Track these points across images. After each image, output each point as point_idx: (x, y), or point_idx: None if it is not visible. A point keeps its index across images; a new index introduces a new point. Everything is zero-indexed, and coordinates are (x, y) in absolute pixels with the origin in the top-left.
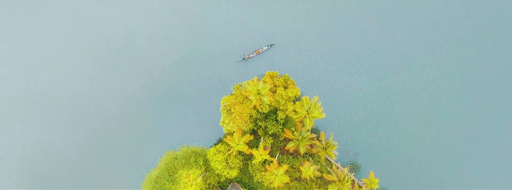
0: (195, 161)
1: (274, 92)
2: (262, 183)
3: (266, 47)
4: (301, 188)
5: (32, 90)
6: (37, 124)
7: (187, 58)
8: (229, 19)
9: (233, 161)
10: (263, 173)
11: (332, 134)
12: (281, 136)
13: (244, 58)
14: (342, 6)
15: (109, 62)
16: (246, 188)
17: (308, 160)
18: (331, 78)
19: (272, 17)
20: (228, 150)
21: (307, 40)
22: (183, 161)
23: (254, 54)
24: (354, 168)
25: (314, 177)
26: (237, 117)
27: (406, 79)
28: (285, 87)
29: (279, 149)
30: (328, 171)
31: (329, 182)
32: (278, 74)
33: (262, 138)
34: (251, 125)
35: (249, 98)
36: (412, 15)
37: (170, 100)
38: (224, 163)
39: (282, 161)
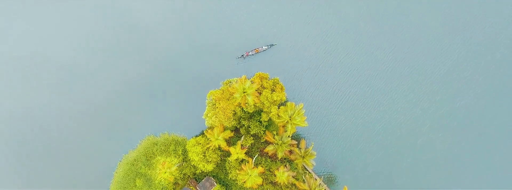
0: (174, 150)
1: (261, 93)
2: (236, 182)
3: (266, 47)
4: None
5: (36, 57)
6: (33, 89)
7: (186, 49)
8: (234, 15)
9: (210, 155)
10: (238, 171)
11: (312, 143)
12: (263, 138)
13: (243, 55)
14: (347, 16)
15: (116, 43)
16: (220, 184)
17: (285, 165)
18: (321, 88)
19: (277, 17)
20: (207, 143)
21: (306, 46)
22: (163, 148)
23: (254, 52)
24: (330, 180)
25: (288, 183)
26: (220, 112)
27: (394, 99)
28: (273, 90)
29: (259, 150)
30: (303, 180)
31: None
32: (268, 76)
33: (243, 137)
34: (234, 123)
35: (234, 95)
36: (410, 33)
37: (162, 87)
38: (201, 156)
39: (259, 163)
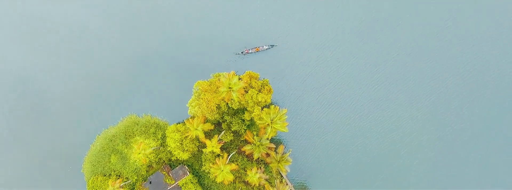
0: (154, 133)
1: (247, 91)
2: (209, 174)
3: (267, 47)
4: None
5: (41, 18)
6: (33, 49)
7: (189, 36)
8: (242, 10)
9: (187, 144)
10: (211, 165)
11: (290, 150)
12: (243, 137)
13: (243, 52)
14: (347, 30)
15: (124, 19)
16: (194, 174)
17: (260, 167)
18: (309, 96)
19: (283, 19)
20: (186, 132)
21: (305, 51)
22: (143, 129)
23: (254, 50)
24: (303, 188)
25: (259, 184)
26: (204, 103)
27: (377, 118)
28: (260, 91)
29: (237, 148)
30: (274, 185)
31: None
32: (259, 76)
33: (223, 132)
34: (217, 116)
35: (220, 89)
36: (405, 53)
37: (155, 69)
38: (178, 143)
39: (235, 160)
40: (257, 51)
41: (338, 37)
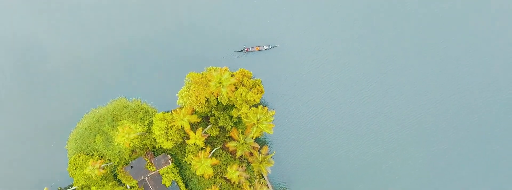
0: (142, 119)
1: (237, 88)
2: (191, 166)
3: (267, 47)
4: (226, 187)
5: None
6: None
7: (191, 27)
8: (248, 8)
9: (172, 134)
10: (193, 157)
11: (274, 152)
12: (229, 133)
13: (243, 50)
14: (349, 43)
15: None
16: (176, 164)
17: (241, 165)
18: (302, 102)
19: (286, 20)
20: (172, 121)
21: (303, 55)
22: (131, 113)
23: (254, 49)
24: None
25: (238, 182)
26: (193, 95)
27: (364, 130)
28: (250, 89)
29: (222, 143)
30: (252, 185)
31: None
32: (252, 75)
33: (210, 126)
34: (206, 110)
35: (210, 83)
36: (403, 72)
37: (153, 56)
38: (163, 132)
39: (219, 156)
40: (257, 51)
41: (336, 46)
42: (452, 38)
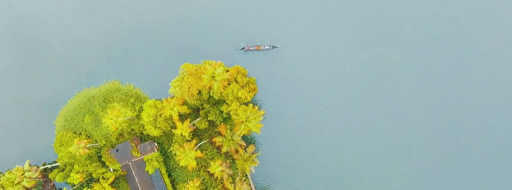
0: (133, 103)
1: (229, 84)
2: (176, 156)
3: (268, 47)
4: (208, 181)
5: None
6: None
7: (195, 19)
8: (255, 6)
9: (160, 122)
10: (178, 147)
11: (260, 151)
12: (217, 128)
13: (244, 48)
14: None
15: None
16: (161, 152)
17: (226, 161)
18: (294, 106)
19: (290, 21)
20: (162, 110)
21: (301, 59)
22: (123, 97)
23: (255, 48)
24: None
25: (220, 177)
26: (185, 86)
27: (352, 137)
28: (243, 87)
29: (210, 138)
30: (234, 182)
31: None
32: (247, 73)
33: (199, 119)
34: (197, 102)
35: (202, 76)
36: (398, 88)
37: (152, 43)
38: (152, 119)
39: (204, 149)
40: (258, 50)
41: (334, 55)
42: (450, 55)
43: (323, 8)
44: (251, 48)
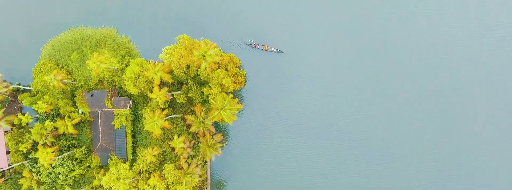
0: (122, 56)
1: (217, 69)
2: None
3: (275, 50)
4: (169, 155)
5: None
6: None
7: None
8: (272, 7)
9: (140, 82)
10: (149, 112)
11: (226, 143)
12: (194, 107)
13: (251, 44)
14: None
15: None
16: (133, 112)
17: (191, 141)
18: (275, 111)
19: (304, 30)
20: (146, 71)
21: (302, 69)
22: (115, 47)
23: (262, 47)
24: (219, 185)
25: (180, 154)
26: (176, 56)
27: (322, 153)
28: (231, 76)
29: (184, 114)
30: (189, 163)
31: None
32: (240, 64)
33: (180, 92)
34: (183, 76)
35: (194, 52)
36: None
37: (165, 6)
38: (134, 77)
39: (174, 123)
40: (264, 49)
41: (334, 76)
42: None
43: (341, 32)
44: (258, 46)
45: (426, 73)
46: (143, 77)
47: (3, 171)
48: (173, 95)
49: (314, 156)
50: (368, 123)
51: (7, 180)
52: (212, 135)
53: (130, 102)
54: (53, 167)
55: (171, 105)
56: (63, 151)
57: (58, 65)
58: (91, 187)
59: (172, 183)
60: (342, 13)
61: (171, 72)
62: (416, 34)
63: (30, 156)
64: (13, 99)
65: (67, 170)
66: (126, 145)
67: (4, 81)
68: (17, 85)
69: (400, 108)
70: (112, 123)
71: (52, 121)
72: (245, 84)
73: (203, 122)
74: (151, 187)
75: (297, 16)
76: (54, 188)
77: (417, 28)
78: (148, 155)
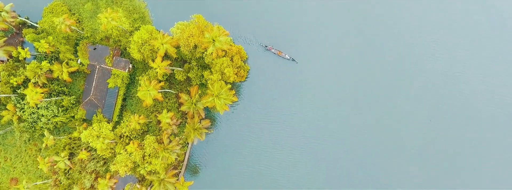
0: (135, 20)
1: (223, 56)
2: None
3: (288, 58)
4: (153, 127)
5: None
6: None
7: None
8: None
9: (145, 48)
10: (145, 80)
11: (212, 131)
12: (190, 87)
13: (266, 46)
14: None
15: None
16: (131, 76)
17: (178, 119)
18: (267, 112)
19: (322, 45)
20: (153, 39)
21: (307, 81)
22: (130, 9)
23: (276, 52)
24: (194, 170)
25: (164, 129)
26: (187, 33)
27: (302, 163)
28: (235, 67)
29: (179, 92)
30: (171, 140)
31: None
32: (247, 58)
33: (181, 69)
34: (188, 54)
35: (205, 33)
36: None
37: None
38: (140, 42)
39: (167, 97)
40: (278, 54)
41: (342, 94)
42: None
43: (360, 57)
44: (273, 50)
45: (439, 88)
46: (149, 44)
47: None
48: (173, 70)
49: (296, 162)
50: (359, 139)
51: None
52: (200, 120)
53: (130, 65)
54: (38, 108)
55: (169, 79)
56: (52, 95)
57: (70, 10)
58: (70, 138)
59: (149, 155)
60: (364, 36)
61: (177, 47)
62: (432, 51)
63: (18, 91)
64: (17, 31)
65: (50, 114)
66: (115, 106)
67: (14, 11)
68: (25, 18)
69: (390, 113)
70: (107, 81)
71: (49, 63)
72: (245, 80)
73: (195, 104)
74: (127, 153)
75: (321, 32)
76: (33, 129)
77: (433, 43)
78: (133, 121)
